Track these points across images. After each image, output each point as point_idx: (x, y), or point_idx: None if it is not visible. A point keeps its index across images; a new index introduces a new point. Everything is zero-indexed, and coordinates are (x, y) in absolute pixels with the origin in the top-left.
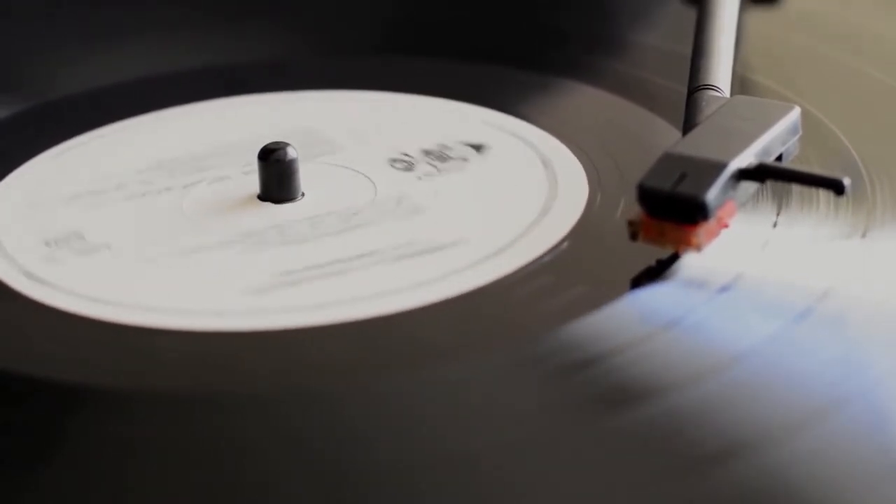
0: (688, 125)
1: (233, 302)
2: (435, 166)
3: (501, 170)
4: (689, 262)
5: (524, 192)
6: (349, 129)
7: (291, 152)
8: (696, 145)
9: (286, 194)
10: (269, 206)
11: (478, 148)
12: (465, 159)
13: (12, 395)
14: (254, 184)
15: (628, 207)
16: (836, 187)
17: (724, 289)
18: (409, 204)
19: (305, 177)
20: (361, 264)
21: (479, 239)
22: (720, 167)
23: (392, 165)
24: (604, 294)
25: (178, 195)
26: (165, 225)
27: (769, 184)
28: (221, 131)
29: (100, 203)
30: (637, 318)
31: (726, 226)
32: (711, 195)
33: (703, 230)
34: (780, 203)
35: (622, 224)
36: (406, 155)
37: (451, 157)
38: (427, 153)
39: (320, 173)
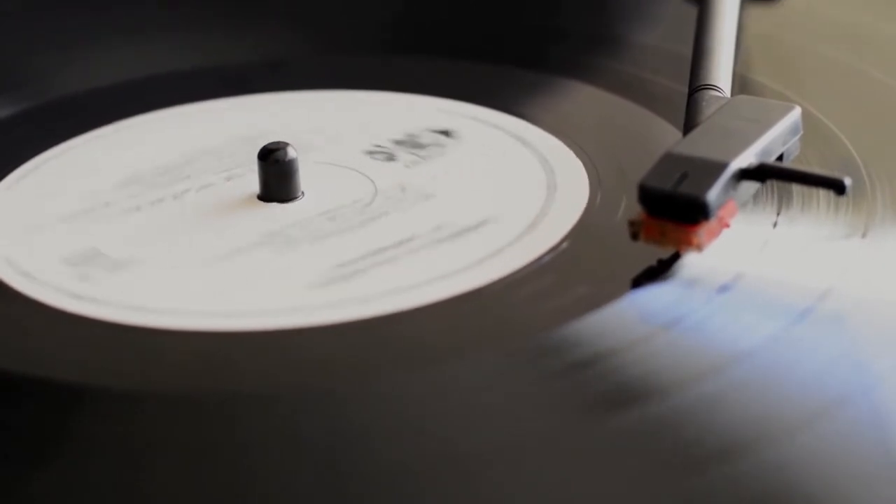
0: (688, 125)
1: (303, 298)
2: (416, 154)
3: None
4: (690, 262)
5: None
6: (317, 129)
7: (291, 152)
8: (697, 145)
9: (288, 193)
10: (273, 205)
11: (447, 133)
12: (440, 146)
13: (14, 395)
14: (244, 185)
15: (629, 207)
16: (837, 187)
17: (725, 288)
18: (415, 191)
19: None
20: (407, 250)
21: (503, 216)
22: (721, 167)
23: (371, 157)
24: (604, 294)
25: (174, 202)
26: (181, 232)
27: (770, 183)
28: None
29: (103, 217)
30: (637, 317)
31: (727, 226)
32: (712, 195)
33: (703, 230)
34: (781, 203)
35: (622, 224)
36: (379, 146)
37: (427, 145)
38: (400, 143)
39: (307, 172)
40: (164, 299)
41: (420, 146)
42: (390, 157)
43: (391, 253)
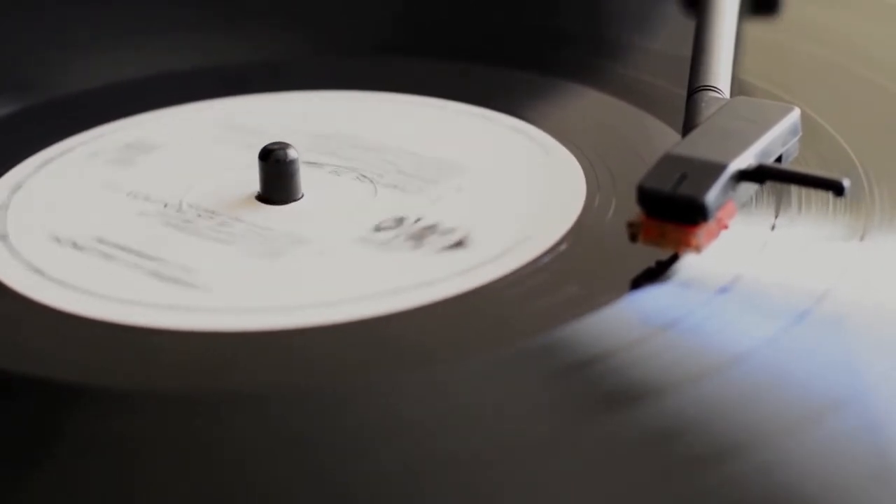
0: (688, 126)
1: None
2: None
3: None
4: (689, 263)
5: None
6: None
7: (292, 152)
8: (696, 146)
9: (288, 194)
10: (274, 206)
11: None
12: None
13: (14, 395)
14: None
15: (628, 208)
16: (836, 188)
17: (724, 290)
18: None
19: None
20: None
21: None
22: (720, 168)
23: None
24: (603, 295)
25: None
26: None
27: (769, 185)
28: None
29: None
30: (636, 319)
31: (726, 227)
32: (711, 196)
33: (702, 231)
34: (780, 204)
35: (621, 225)
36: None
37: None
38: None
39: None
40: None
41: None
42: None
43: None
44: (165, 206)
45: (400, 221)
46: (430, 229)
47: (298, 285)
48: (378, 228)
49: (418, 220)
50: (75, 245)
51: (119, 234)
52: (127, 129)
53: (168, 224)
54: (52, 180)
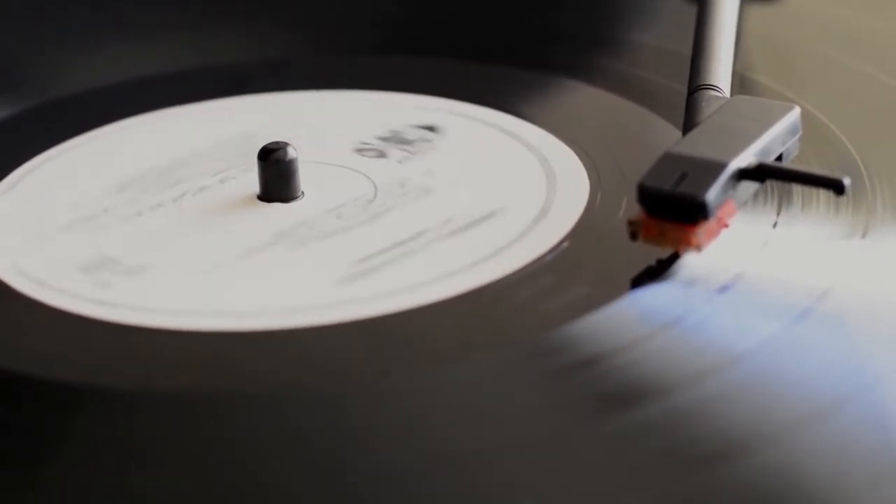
0: (688, 125)
1: (329, 295)
2: (406, 150)
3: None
4: (689, 262)
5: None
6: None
7: (291, 152)
8: (697, 145)
9: (288, 193)
10: (276, 206)
11: (432, 129)
12: (427, 141)
13: (14, 395)
14: (244, 186)
15: (628, 207)
16: (837, 187)
17: (724, 289)
18: (414, 186)
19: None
20: (422, 243)
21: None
22: (720, 167)
23: (361, 154)
24: (604, 294)
25: (174, 204)
26: (186, 234)
27: (769, 183)
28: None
29: (105, 220)
30: (637, 317)
31: (726, 226)
32: (712, 195)
33: (703, 230)
34: (780, 203)
35: (622, 224)
36: (367, 144)
37: (415, 140)
38: (385, 139)
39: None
40: (168, 300)
41: (408, 141)
42: (380, 154)
43: (407, 247)
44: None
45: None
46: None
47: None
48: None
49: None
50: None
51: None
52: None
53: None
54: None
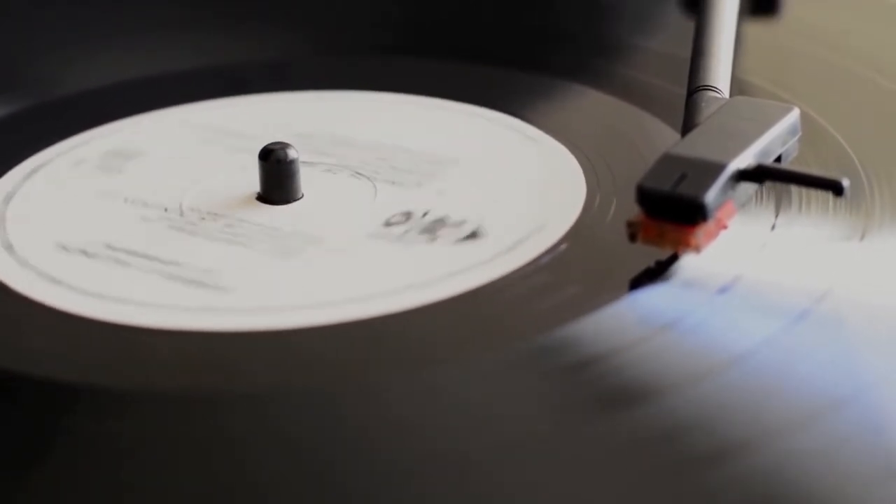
0: (687, 126)
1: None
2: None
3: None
4: (688, 264)
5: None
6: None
7: (292, 152)
8: (696, 146)
9: (289, 194)
10: (275, 207)
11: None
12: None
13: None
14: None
15: (627, 208)
16: (835, 188)
17: (723, 290)
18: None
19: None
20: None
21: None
22: (719, 168)
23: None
24: (603, 295)
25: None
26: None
27: (768, 185)
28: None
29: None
30: (636, 319)
31: (725, 227)
32: (711, 196)
33: (702, 231)
34: (779, 204)
35: (621, 225)
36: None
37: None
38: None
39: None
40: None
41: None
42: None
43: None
44: (166, 210)
45: (408, 216)
46: (440, 222)
47: (323, 284)
48: (388, 223)
49: (426, 213)
50: (85, 253)
51: (127, 239)
52: (109, 136)
53: (173, 227)
54: (45, 188)
